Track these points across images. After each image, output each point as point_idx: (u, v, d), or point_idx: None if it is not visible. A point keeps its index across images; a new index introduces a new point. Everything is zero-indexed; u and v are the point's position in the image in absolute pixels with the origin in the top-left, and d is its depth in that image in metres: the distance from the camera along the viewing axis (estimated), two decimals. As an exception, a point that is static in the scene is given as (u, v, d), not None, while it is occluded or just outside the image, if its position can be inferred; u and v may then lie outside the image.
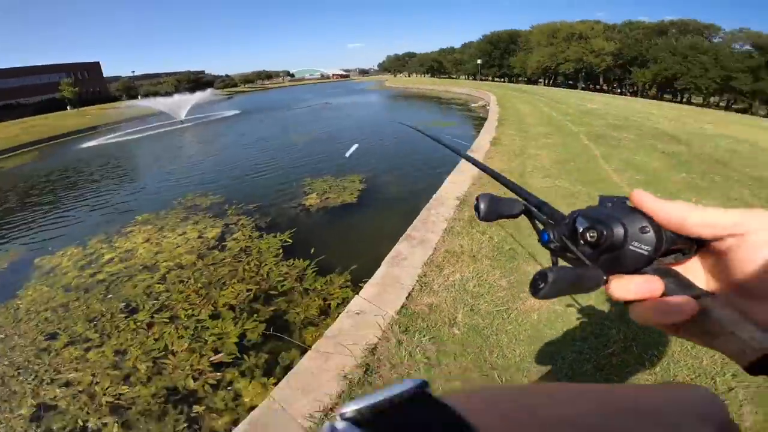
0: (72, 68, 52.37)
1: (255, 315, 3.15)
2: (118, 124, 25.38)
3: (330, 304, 3.20)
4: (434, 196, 4.47)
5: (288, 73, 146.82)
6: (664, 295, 0.26)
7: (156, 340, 2.96)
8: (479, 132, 9.23)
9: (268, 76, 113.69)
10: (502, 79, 63.83)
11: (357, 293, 2.59)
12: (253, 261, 4.05)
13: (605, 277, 0.27)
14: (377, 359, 1.96)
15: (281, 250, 4.24)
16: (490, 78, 66.34)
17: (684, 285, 0.26)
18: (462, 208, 4.00)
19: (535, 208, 0.33)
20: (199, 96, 30.90)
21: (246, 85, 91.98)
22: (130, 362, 2.74)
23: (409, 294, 2.44)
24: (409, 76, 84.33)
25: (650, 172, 5.16)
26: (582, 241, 0.28)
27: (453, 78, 70.10)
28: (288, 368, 2.04)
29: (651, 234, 0.26)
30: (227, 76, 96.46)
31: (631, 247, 0.26)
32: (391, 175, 7.30)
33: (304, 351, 2.17)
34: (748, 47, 37.05)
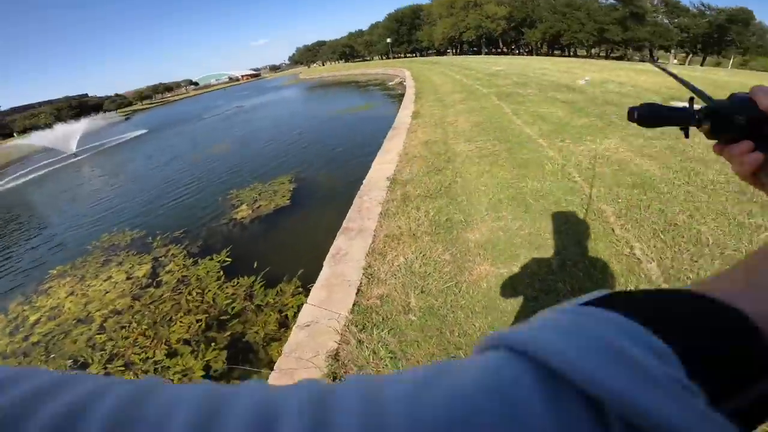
0: None
1: (213, 344, 2.98)
2: (-1, 169, 21.73)
3: (287, 314, 3.10)
4: (364, 181, 4.43)
5: (191, 82, 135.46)
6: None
7: (119, 389, 2.75)
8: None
9: (168, 88, 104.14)
10: (414, 54, 65.19)
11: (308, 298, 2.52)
12: (195, 290, 3.77)
13: (696, 116, 0.40)
14: (342, 364, 1.91)
15: (222, 272, 3.99)
16: (402, 55, 67.36)
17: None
18: (394, 188, 4.01)
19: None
20: (89, 122, 27.41)
21: (143, 102, 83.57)
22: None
23: (358, 289, 2.39)
24: (324, 65, 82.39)
25: (556, 120, 5.62)
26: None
27: (367, 60, 69.86)
28: (266, 387, 1.95)
29: (747, 109, 0.38)
30: (117, 95, 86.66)
31: (734, 120, 0.39)
32: (319, 167, 7.14)
33: (273, 368, 2.08)
34: (612, 0, 41.87)
